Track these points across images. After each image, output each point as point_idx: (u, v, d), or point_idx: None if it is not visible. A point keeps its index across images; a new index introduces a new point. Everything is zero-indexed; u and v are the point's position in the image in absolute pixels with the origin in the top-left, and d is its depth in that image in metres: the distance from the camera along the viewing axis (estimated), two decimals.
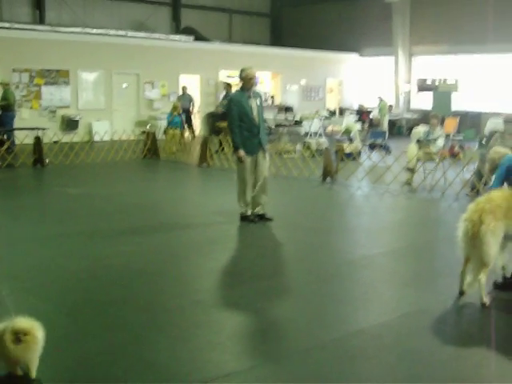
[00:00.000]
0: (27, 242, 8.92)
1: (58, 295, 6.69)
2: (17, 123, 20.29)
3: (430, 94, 28.44)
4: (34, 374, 4.38)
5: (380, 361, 5.07)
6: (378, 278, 7.42)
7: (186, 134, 22.58)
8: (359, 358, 5.14)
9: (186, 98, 23.93)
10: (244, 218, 10.03)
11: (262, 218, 10.09)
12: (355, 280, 7.38)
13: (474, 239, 6.23)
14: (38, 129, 17.84)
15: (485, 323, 5.92)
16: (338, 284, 7.22)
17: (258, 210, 10.10)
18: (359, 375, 4.86)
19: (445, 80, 28.74)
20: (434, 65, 30.22)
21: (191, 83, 27.20)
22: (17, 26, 24.84)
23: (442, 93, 27.32)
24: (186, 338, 5.50)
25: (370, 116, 27.72)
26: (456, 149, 17.92)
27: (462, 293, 6.52)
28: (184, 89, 24.29)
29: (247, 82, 9.80)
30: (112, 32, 26.84)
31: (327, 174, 14.55)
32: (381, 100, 27.59)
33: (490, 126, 15.02)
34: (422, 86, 29.84)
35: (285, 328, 5.84)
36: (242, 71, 9.86)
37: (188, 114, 23.90)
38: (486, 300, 6.21)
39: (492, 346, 5.30)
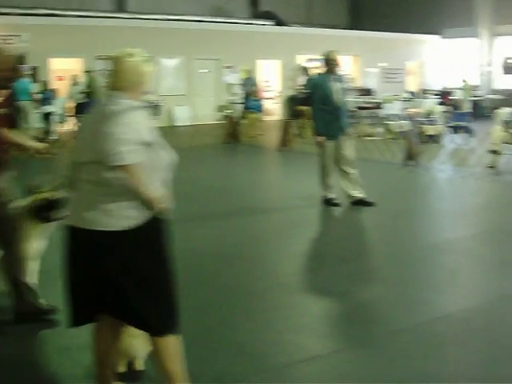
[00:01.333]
0: None
1: None
2: None
3: None
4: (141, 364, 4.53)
5: (468, 346, 4.99)
6: (463, 262, 7.30)
7: (264, 117, 22.58)
8: (446, 342, 5.07)
9: (249, 82, 23.25)
10: (326, 201, 10.01)
11: (361, 203, 9.96)
12: (439, 264, 7.28)
13: None
14: None
15: None
16: (421, 268, 7.13)
17: (358, 195, 10.01)
18: (446, 360, 4.79)
19: None
20: None
21: (270, 67, 27.23)
22: (99, 14, 25.34)
23: None
24: (271, 321, 5.54)
25: (452, 98, 27.16)
26: None
27: None
28: (248, 72, 23.84)
29: (331, 65, 9.75)
30: (191, 18, 27.08)
31: (409, 156, 14.35)
32: (464, 81, 27.01)
33: None
34: (509, 67, 29.03)
35: (369, 311, 5.82)
36: (326, 54, 9.83)
37: (250, 98, 22.64)
38: None
39: None
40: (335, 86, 9.73)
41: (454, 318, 5.50)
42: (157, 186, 3.72)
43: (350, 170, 9.93)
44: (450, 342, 5.08)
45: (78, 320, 3.93)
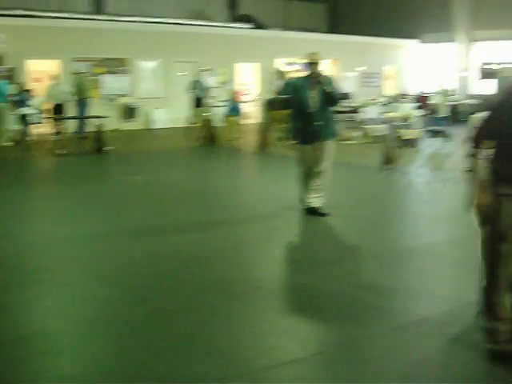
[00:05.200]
0: (92, 227, 9.10)
1: (123, 281, 6.79)
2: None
3: (493, 80, 27.83)
4: None
5: (444, 350, 5.00)
6: (440, 267, 7.33)
7: (243, 121, 22.58)
8: (421, 346, 5.09)
9: (199, 86, 22.71)
10: (304, 207, 9.93)
11: (316, 212, 9.66)
12: (417, 268, 7.29)
13: None
14: (99, 117, 18.11)
15: None
16: (398, 272, 7.16)
17: (312, 203, 9.71)
18: (420, 362, 4.81)
19: (508, 65, 28.12)
20: (498, 50, 29.53)
21: (249, 71, 27.30)
22: (77, 15, 25.22)
23: (505, 78, 26.74)
24: (250, 324, 5.54)
25: (430, 102, 27.32)
26: None
27: None
28: (198, 75, 23.27)
29: (310, 67, 9.49)
30: (170, 21, 27.05)
31: (386, 160, 14.43)
32: (441, 86, 27.20)
33: None
34: (486, 72, 29.27)
35: (347, 315, 5.78)
36: (307, 56, 9.55)
37: (200, 103, 22.48)
38: None
39: None
40: (312, 90, 9.35)
41: (430, 323, 5.53)
42: None
43: (318, 178, 9.63)
44: (426, 346, 5.10)
45: None
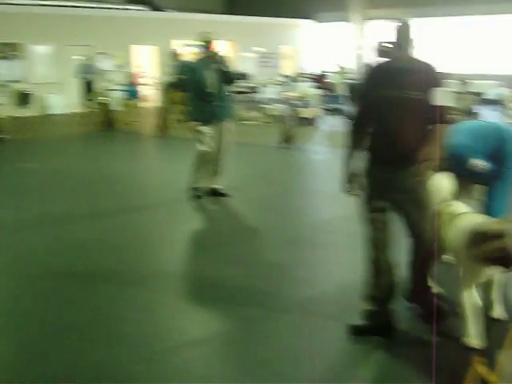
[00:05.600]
0: None
1: (19, 271, 6.65)
2: None
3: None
4: None
5: (341, 320, 5.12)
6: (339, 241, 7.50)
7: (141, 104, 22.37)
8: (323, 318, 5.22)
9: (89, 70, 22.29)
10: (203, 189, 9.87)
11: (216, 193, 9.80)
12: (316, 244, 7.44)
13: None
14: None
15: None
16: (299, 248, 7.28)
17: (213, 184, 9.83)
18: (321, 337, 4.94)
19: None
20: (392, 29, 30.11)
21: (146, 53, 27.00)
22: None
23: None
24: (151, 308, 5.55)
25: (328, 81, 27.73)
26: None
27: None
28: (88, 59, 22.68)
29: (205, 48, 9.54)
30: (64, 3, 26.38)
31: (285, 139, 14.59)
32: (338, 65, 27.63)
33: None
34: (382, 51, 29.83)
35: (249, 293, 5.87)
36: (200, 38, 9.56)
37: (91, 87, 22.02)
38: None
39: None
40: (209, 70, 9.34)
41: (330, 295, 5.66)
42: None
43: (218, 158, 9.70)
44: (327, 318, 5.21)
45: None
